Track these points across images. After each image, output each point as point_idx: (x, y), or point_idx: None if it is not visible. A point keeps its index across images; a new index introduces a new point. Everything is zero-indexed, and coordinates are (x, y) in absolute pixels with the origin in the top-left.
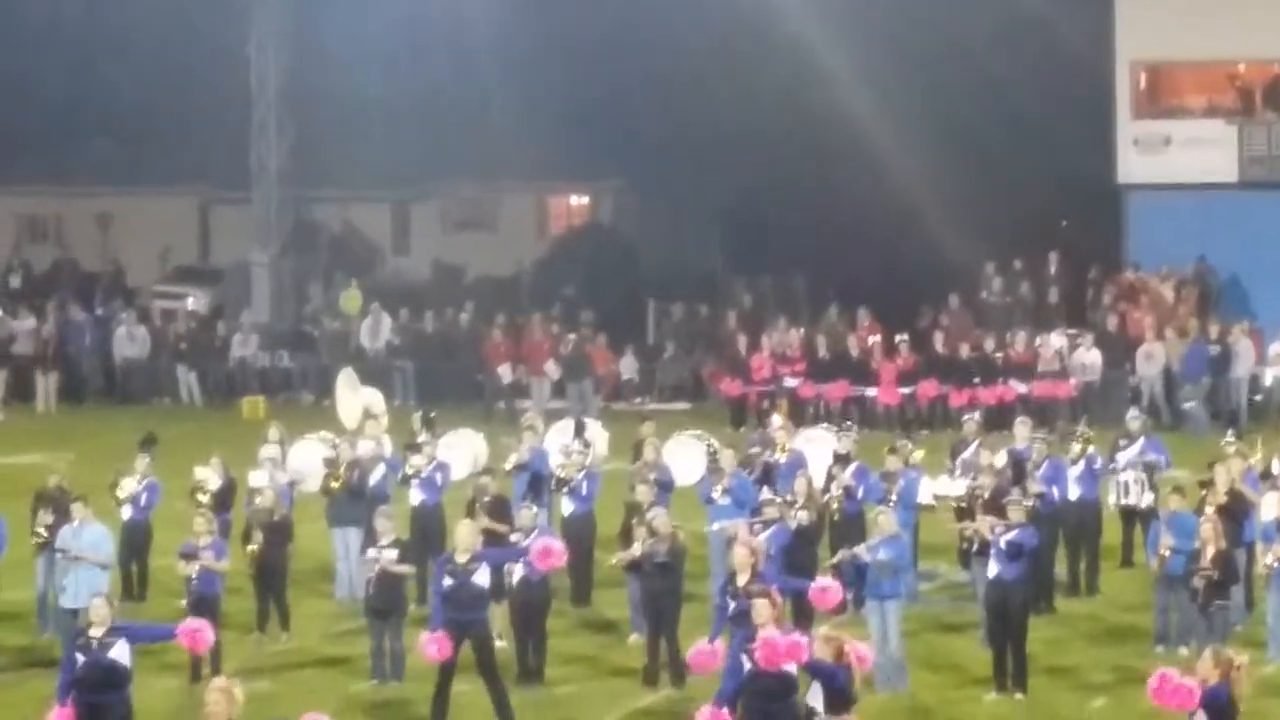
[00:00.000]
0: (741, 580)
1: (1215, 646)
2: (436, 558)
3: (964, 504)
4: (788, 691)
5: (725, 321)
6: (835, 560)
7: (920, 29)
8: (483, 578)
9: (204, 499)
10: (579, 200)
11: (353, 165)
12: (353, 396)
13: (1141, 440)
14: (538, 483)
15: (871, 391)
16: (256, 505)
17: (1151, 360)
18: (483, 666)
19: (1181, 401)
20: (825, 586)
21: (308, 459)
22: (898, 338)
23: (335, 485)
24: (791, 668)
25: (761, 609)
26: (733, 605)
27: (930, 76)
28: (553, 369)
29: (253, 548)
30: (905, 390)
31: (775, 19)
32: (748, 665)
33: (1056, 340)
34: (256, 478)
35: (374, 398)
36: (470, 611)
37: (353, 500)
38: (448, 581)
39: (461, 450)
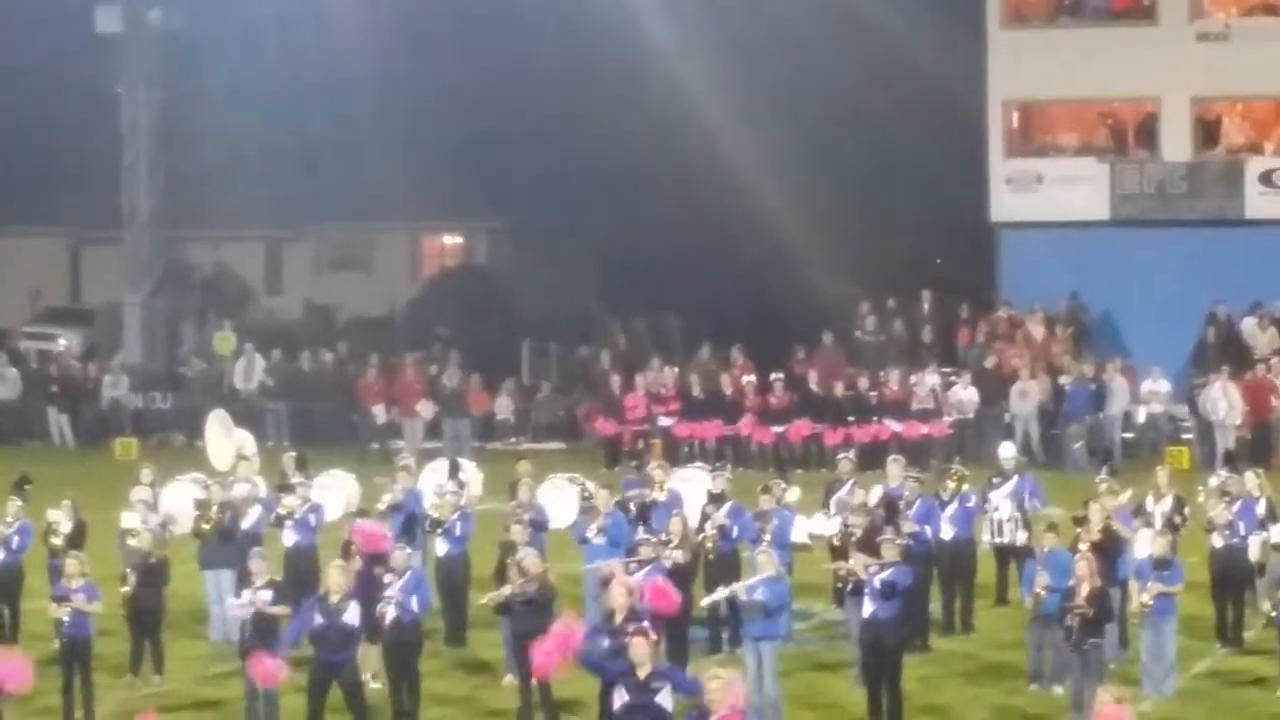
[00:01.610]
0: (618, 620)
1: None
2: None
3: (838, 543)
4: None
5: (600, 361)
6: (710, 599)
7: (794, 68)
8: (352, 617)
9: (57, 541)
10: (453, 240)
11: (225, 205)
12: (224, 438)
13: (1015, 478)
14: (411, 523)
15: (745, 430)
16: (130, 546)
17: (1025, 398)
18: (352, 707)
19: (1070, 442)
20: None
21: (180, 500)
22: (772, 376)
23: (207, 527)
24: (667, 703)
25: (639, 646)
26: (608, 642)
27: (804, 115)
28: (426, 408)
29: (125, 589)
30: (779, 429)
31: (649, 59)
32: (620, 699)
33: (930, 378)
34: (128, 519)
35: (245, 439)
36: (340, 652)
37: (224, 542)
38: (318, 620)
39: (335, 492)
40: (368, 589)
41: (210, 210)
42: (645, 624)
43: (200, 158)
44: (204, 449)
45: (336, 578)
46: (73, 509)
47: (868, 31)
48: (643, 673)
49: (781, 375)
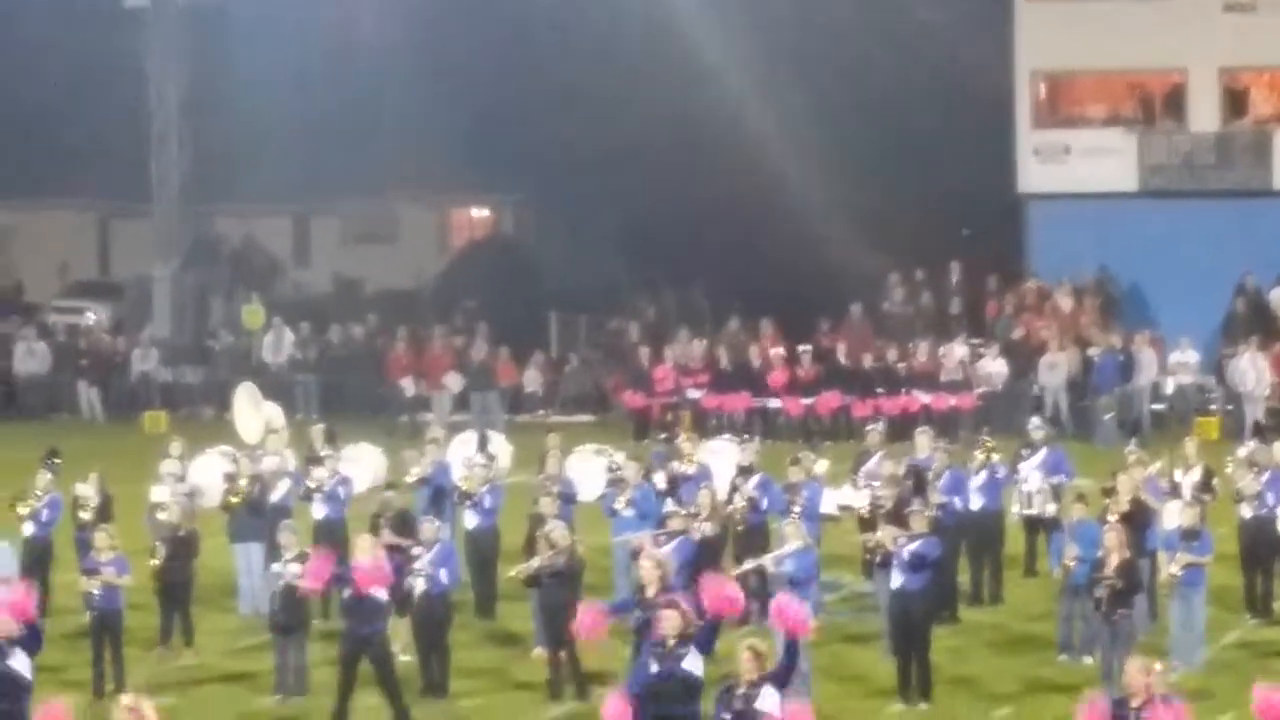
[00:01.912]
0: (650, 593)
1: (1144, 659)
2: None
3: (867, 515)
4: (691, 696)
5: (628, 334)
6: (739, 571)
7: (820, 40)
8: (380, 590)
9: (85, 515)
10: (480, 213)
11: (253, 179)
12: (253, 411)
13: (1044, 450)
14: (440, 496)
15: (774, 402)
16: (159, 519)
17: (1054, 370)
18: (382, 680)
19: (1100, 413)
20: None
21: (209, 474)
22: (800, 348)
23: (235, 500)
24: (696, 669)
25: (670, 620)
26: (638, 614)
27: (832, 87)
28: (454, 381)
29: (155, 562)
30: (808, 401)
31: (675, 32)
32: (653, 668)
33: (959, 350)
34: (158, 493)
35: (274, 412)
36: (369, 625)
37: (253, 515)
38: (347, 593)
39: (361, 464)
40: (398, 562)
41: (238, 184)
42: (675, 596)
43: (228, 131)
44: (233, 422)
45: (365, 550)
46: (100, 482)
47: (894, 3)
48: (672, 644)
49: (810, 347)
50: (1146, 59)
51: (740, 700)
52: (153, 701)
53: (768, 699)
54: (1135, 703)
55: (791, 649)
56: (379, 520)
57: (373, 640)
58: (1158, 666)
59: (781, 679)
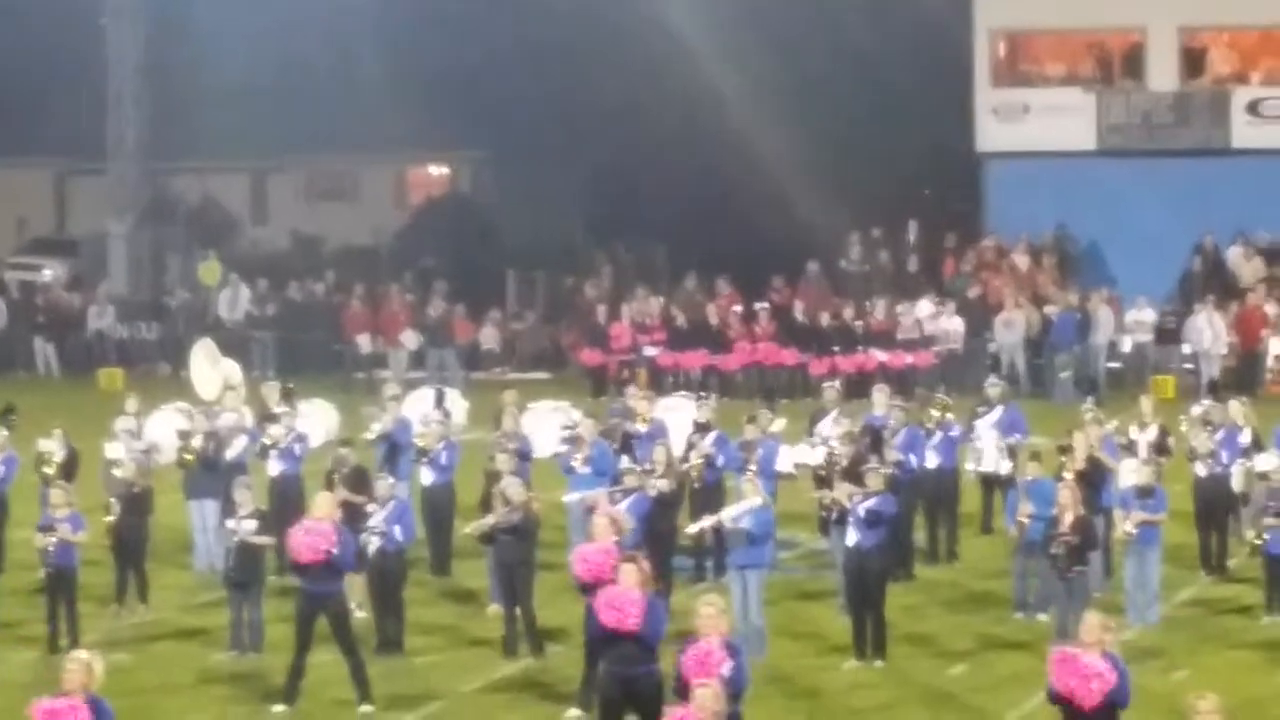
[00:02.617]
0: None
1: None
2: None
3: (823, 472)
4: (648, 657)
5: (585, 291)
6: (695, 528)
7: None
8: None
9: (49, 471)
10: (439, 171)
11: (212, 136)
12: (210, 368)
13: (1000, 408)
14: (396, 453)
15: (730, 360)
16: (114, 476)
17: (1011, 328)
18: (339, 637)
19: (1057, 372)
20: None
21: (164, 430)
22: (757, 306)
23: (190, 457)
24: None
25: (628, 574)
26: None
27: (791, 44)
28: (410, 339)
29: (110, 519)
30: (764, 358)
31: None
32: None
33: (916, 308)
34: (113, 449)
35: (231, 368)
36: (325, 583)
37: (209, 471)
38: None
39: (317, 421)
40: (351, 520)
41: (196, 141)
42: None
43: (186, 89)
44: (189, 379)
45: (323, 507)
46: (65, 438)
47: None
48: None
49: (767, 305)
50: (1105, 18)
51: None
52: (103, 660)
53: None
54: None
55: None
56: (334, 477)
57: (330, 598)
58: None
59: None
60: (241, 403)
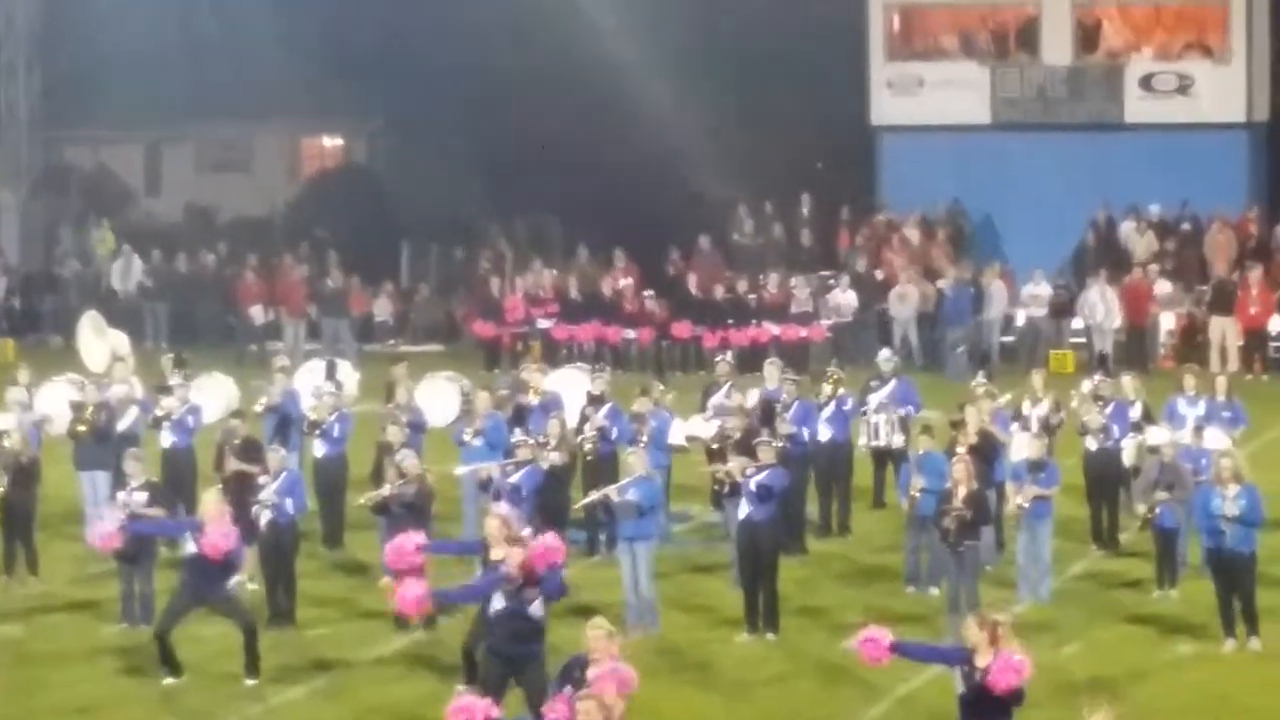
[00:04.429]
0: (495, 555)
1: (980, 612)
2: (187, 500)
3: (716, 445)
4: (534, 637)
5: (479, 264)
6: (586, 501)
7: None
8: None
9: None
10: (333, 142)
11: (105, 106)
12: (97, 340)
13: (893, 381)
14: (287, 425)
15: (625, 333)
16: (2, 447)
17: (904, 302)
18: (229, 611)
19: (950, 347)
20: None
21: (55, 401)
22: (645, 294)
23: (82, 428)
24: (539, 612)
25: (515, 557)
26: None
27: (687, 19)
28: (305, 310)
29: None
30: (657, 331)
31: None
32: (497, 605)
33: (809, 282)
34: (3, 420)
35: (119, 339)
36: (216, 580)
37: (100, 443)
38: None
39: (213, 394)
40: (242, 491)
41: (89, 111)
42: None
43: (79, 58)
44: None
45: (210, 508)
46: None
47: None
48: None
49: (652, 293)
50: None
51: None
52: None
53: None
54: (980, 661)
55: None
56: (224, 449)
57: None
58: (999, 617)
59: None
60: (130, 373)
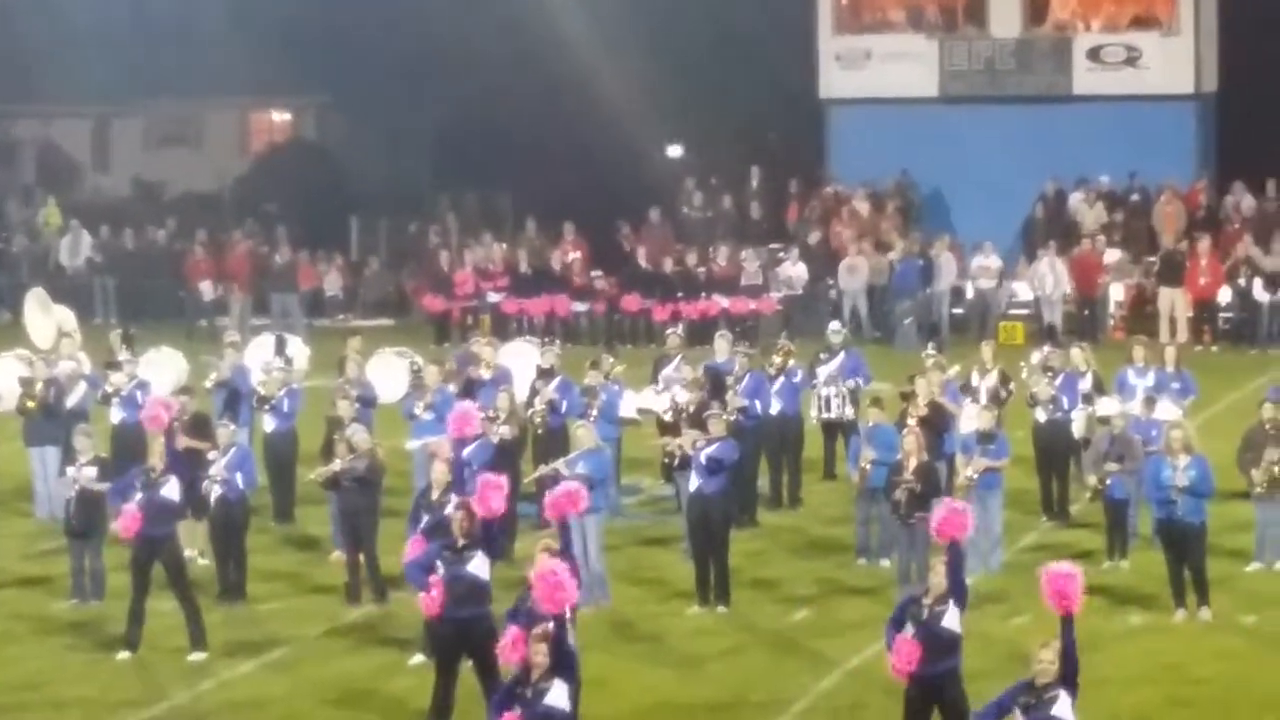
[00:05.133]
0: (436, 494)
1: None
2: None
3: (667, 418)
4: (479, 599)
5: (429, 237)
6: (536, 475)
7: None
8: (171, 492)
9: None
10: (282, 116)
11: (54, 81)
12: (43, 316)
13: (842, 353)
14: (236, 400)
15: (575, 305)
16: None
17: (854, 274)
18: (174, 583)
19: (900, 319)
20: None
21: (4, 378)
22: (593, 274)
23: (31, 405)
24: (483, 572)
25: (459, 520)
26: (426, 518)
27: None
28: (254, 285)
29: None
30: (607, 305)
31: None
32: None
33: (759, 254)
34: None
35: (65, 315)
36: (159, 527)
37: (49, 419)
38: (138, 494)
39: (163, 369)
40: (190, 466)
41: (37, 86)
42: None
43: (27, 33)
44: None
45: (157, 453)
46: None
47: None
48: (461, 546)
49: (601, 273)
50: None
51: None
52: None
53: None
54: (928, 600)
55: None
56: (174, 424)
57: (163, 542)
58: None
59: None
60: (77, 349)
